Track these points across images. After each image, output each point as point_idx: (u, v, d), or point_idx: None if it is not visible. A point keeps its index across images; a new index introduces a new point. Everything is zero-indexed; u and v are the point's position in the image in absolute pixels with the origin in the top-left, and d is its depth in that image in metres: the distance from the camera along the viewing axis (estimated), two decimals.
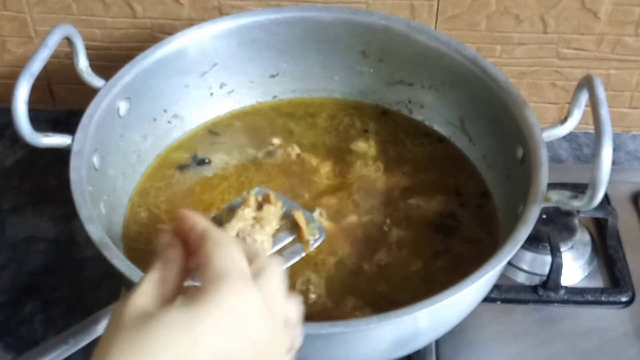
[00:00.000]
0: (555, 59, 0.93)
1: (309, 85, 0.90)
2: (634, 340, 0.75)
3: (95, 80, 0.76)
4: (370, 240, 0.75)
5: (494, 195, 0.78)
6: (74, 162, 0.69)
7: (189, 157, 0.84)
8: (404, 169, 0.82)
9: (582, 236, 0.82)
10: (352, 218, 0.77)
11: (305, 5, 0.87)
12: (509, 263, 0.78)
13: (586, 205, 0.63)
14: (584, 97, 0.70)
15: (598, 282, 0.81)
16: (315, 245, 0.67)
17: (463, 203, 0.79)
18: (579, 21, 0.89)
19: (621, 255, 0.82)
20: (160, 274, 0.48)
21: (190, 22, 0.89)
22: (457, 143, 0.84)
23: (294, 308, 0.50)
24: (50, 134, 0.70)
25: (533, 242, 0.80)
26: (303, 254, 0.66)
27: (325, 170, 0.82)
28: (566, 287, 0.78)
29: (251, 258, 0.48)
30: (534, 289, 0.79)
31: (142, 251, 0.74)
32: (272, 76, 0.88)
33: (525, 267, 0.80)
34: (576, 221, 0.82)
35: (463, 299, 0.62)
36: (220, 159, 0.83)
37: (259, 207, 0.65)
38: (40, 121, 0.76)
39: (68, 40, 0.75)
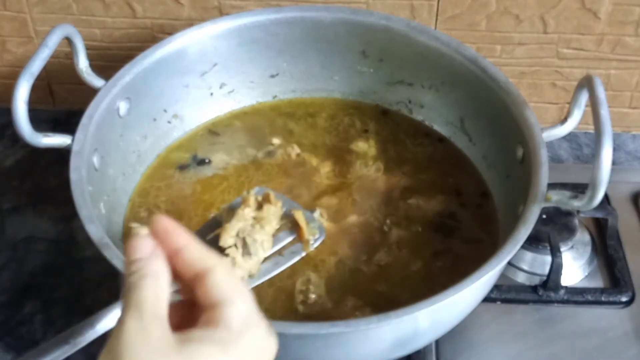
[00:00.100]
0: (555, 59, 0.93)
1: (309, 85, 0.90)
2: (634, 340, 0.75)
3: (95, 80, 0.76)
4: (370, 240, 0.75)
5: (494, 195, 0.79)
6: (74, 162, 0.69)
7: (189, 157, 0.84)
8: (404, 169, 0.82)
9: (582, 236, 0.82)
10: (352, 218, 0.77)
11: (305, 5, 0.87)
12: (509, 263, 0.78)
13: (586, 205, 0.63)
14: (584, 97, 0.70)
15: (598, 282, 0.81)
16: (316, 245, 0.67)
17: (463, 203, 0.79)
18: (579, 21, 0.89)
19: (621, 255, 0.82)
20: (152, 294, 0.42)
21: (190, 22, 0.89)
22: (457, 143, 0.84)
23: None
24: (50, 134, 0.70)
25: (533, 242, 0.80)
26: (303, 254, 0.66)
27: (325, 170, 0.82)
28: (566, 287, 0.78)
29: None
30: (534, 289, 0.79)
31: None
32: (272, 76, 0.89)
33: (525, 267, 0.80)
34: (576, 221, 0.82)
35: (463, 299, 0.62)
36: (220, 159, 0.83)
37: (259, 206, 0.65)
38: (40, 121, 0.76)
39: (68, 40, 0.75)
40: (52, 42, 0.71)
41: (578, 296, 0.78)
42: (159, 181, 0.81)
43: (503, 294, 0.78)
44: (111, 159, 0.76)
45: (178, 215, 0.77)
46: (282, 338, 0.58)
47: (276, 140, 0.85)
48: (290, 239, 0.66)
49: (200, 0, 0.90)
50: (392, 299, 0.69)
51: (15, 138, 0.81)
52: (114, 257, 0.61)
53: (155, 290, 0.42)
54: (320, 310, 0.69)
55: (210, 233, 0.64)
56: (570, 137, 0.96)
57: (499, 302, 0.78)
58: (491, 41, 0.91)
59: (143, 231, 0.45)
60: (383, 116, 0.88)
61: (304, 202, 0.78)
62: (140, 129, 0.81)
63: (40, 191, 0.92)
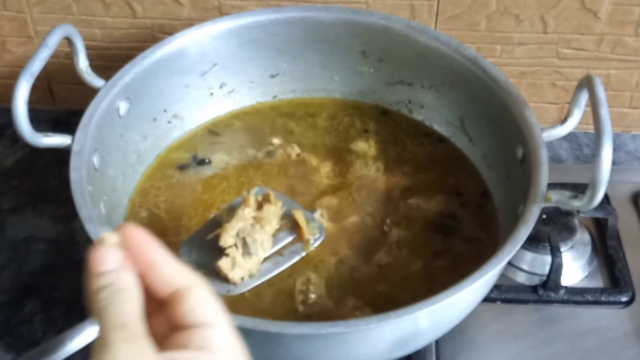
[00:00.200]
0: (555, 59, 0.93)
1: (309, 85, 0.90)
2: (634, 340, 0.75)
3: (95, 80, 0.76)
4: (370, 240, 0.75)
5: (494, 195, 0.78)
6: (74, 162, 0.69)
7: (189, 157, 0.84)
8: (404, 169, 0.82)
9: (582, 236, 0.82)
10: (352, 218, 0.77)
11: (305, 5, 0.87)
12: (509, 263, 0.78)
13: (586, 205, 0.63)
14: (584, 97, 0.70)
15: (598, 282, 0.80)
16: (316, 244, 0.67)
17: (463, 203, 0.79)
18: (579, 21, 0.89)
19: (621, 255, 0.82)
20: (134, 312, 0.39)
21: (190, 22, 0.89)
22: (457, 143, 0.84)
23: None
24: (50, 134, 0.70)
25: (533, 242, 0.80)
26: (303, 254, 0.66)
27: (325, 170, 0.82)
28: (566, 287, 0.78)
29: None
30: (534, 289, 0.79)
31: None
32: (272, 76, 0.89)
33: (525, 267, 0.80)
34: (576, 221, 0.82)
35: (463, 299, 0.62)
36: (220, 159, 0.83)
37: (259, 206, 0.65)
38: (40, 121, 0.76)
39: (68, 40, 0.75)
40: (52, 42, 0.71)
41: (578, 296, 0.78)
42: (159, 181, 0.81)
43: (503, 294, 0.78)
44: (111, 159, 0.76)
45: (178, 215, 0.77)
46: (282, 338, 0.58)
47: (276, 140, 0.85)
48: (290, 238, 0.66)
49: (200, 0, 0.90)
50: (392, 299, 0.69)
51: (15, 138, 0.81)
52: None
53: (134, 306, 0.39)
54: (320, 310, 0.69)
55: (210, 233, 0.64)
56: (570, 137, 0.96)
57: (499, 302, 0.78)
58: (491, 41, 0.91)
59: (111, 238, 0.41)
60: (383, 116, 0.88)
61: (304, 202, 0.78)
62: (140, 129, 0.81)
63: (40, 191, 0.92)
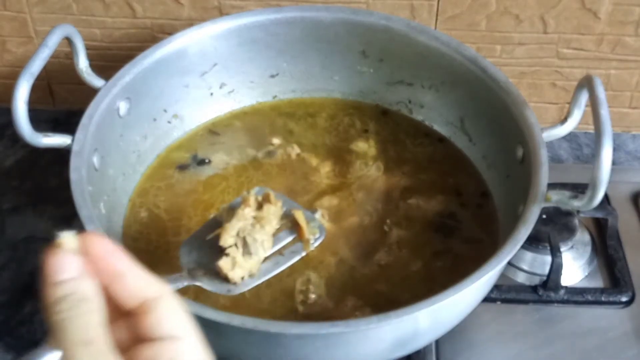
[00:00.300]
0: (555, 59, 0.93)
1: (309, 85, 0.90)
2: (634, 340, 0.75)
3: (95, 80, 0.76)
4: (370, 240, 0.75)
5: (494, 195, 0.78)
6: (74, 162, 0.69)
7: (189, 157, 0.84)
8: (404, 169, 0.82)
9: (582, 236, 0.82)
10: (352, 218, 0.77)
11: (305, 5, 0.87)
12: (509, 263, 0.78)
13: (586, 205, 0.62)
14: (584, 97, 0.70)
15: (598, 282, 0.80)
16: (316, 244, 0.67)
17: (463, 203, 0.79)
18: (579, 21, 0.89)
19: (621, 255, 0.82)
20: (98, 324, 0.36)
21: (190, 22, 0.89)
22: (457, 143, 0.84)
23: None
24: (50, 134, 0.70)
25: (533, 242, 0.80)
26: (303, 253, 0.66)
27: (325, 170, 0.82)
28: (566, 287, 0.78)
29: None
30: (534, 289, 0.79)
31: (142, 251, 0.74)
32: (272, 76, 0.89)
33: (525, 267, 0.80)
34: (576, 221, 0.82)
35: (463, 299, 0.62)
36: (220, 159, 0.83)
37: (259, 206, 0.65)
38: (40, 121, 0.76)
39: (68, 40, 0.75)
40: (52, 42, 0.71)
41: (578, 296, 0.78)
42: (159, 181, 0.81)
43: (503, 294, 0.78)
44: (111, 159, 0.76)
45: (178, 215, 0.77)
46: (282, 338, 0.58)
47: (276, 140, 0.85)
48: (290, 238, 0.66)
49: (200, 0, 0.90)
50: (392, 299, 0.69)
51: (15, 138, 0.81)
52: None
53: (97, 318, 0.37)
54: (320, 310, 0.69)
55: (210, 233, 0.64)
56: (570, 137, 0.96)
57: (499, 302, 0.78)
58: (491, 41, 0.91)
59: (69, 242, 0.38)
60: (383, 116, 0.88)
61: (304, 202, 0.78)
62: (140, 129, 0.81)
63: (40, 191, 0.92)
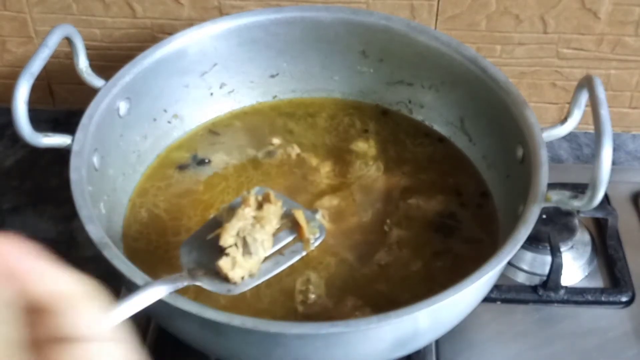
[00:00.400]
0: (555, 59, 0.93)
1: (309, 85, 0.90)
2: (634, 340, 0.75)
3: (95, 80, 0.76)
4: (370, 240, 0.75)
5: (494, 195, 0.78)
6: (74, 162, 0.69)
7: (189, 157, 0.84)
8: (404, 169, 0.82)
9: (582, 236, 0.82)
10: (352, 218, 0.77)
11: (305, 5, 0.87)
12: (509, 263, 0.78)
13: (586, 205, 0.62)
14: (584, 97, 0.70)
15: (598, 282, 0.81)
16: (316, 244, 0.67)
17: (463, 203, 0.79)
18: (579, 21, 0.89)
19: (621, 255, 0.82)
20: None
21: (190, 22, 0.89)
22: (457, 143, 0.84)
23: None
24: (50, 134, 0.70)
25: (533, 242, 0.80)
26: (304, 253, 0.66)
27: (325, 170, 0.82)
28: (566, 287, 0.78)
29: None
30: (534, 289, 0.79)
31: (142, 251, 0.74)
32: (272, 76, 0.89)
33: (525, 267, 0.80)
34: (576, 221, 0.82)
35: (463, 299, 0.62)
36: (220, 159, 0.83)
37: (259, 206, 0.65)
38: (40, 121, 0.76)
39: (68, 40, 0.75)
40: (52, 42, 0.71)
41: (578, 296, 0.78)
42: (159, 181, 0.81)
43: (503, 294, 0.78)
44: (111, 159, 0.76)
45: (178, 215, 0.77)
46: (282, 338, 0.58)
47: (276, 140, 0.85)
48: (290, 238, 0.66)
49: (200, 0, 0.90)
50: (392, 299, 0.69)
51: (15, 138, 0.81)
52: (114, 257, 0.61)
53: (10, 329, 0.35)
54: (320, 310, 0.69)
55: (210, 233, 0.64)
56: (570, 137, 0.96)
57: (499, 302, 0.78)
58: (491, 41, 0.91)
59: None
60: (383, 116, 0.88)
61: (304, 202, 0.78)
62: (140, 129, 0.81)
63: (40, 191, 0.92)
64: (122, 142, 0.78)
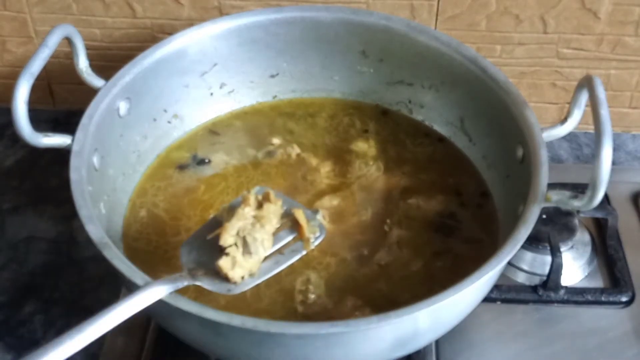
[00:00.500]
0: (555, 59, 0.93)
1: (309, 85, 0.90)
2: (634, 340, 0.75)
3: (95, 80, 0.76)
4: (370, 240, 0.75)
5: (494, 195, 0.78)
6: (74, 162, 0.69)
7: (189, 157, 0.84)
8: (404, 169, 0.82)
9: (582, 236, 0.82)
10: (352, 218, 0.77)
11: (305, 5, 0.87)
12: (509, 263, 0.78)
13: (586, 205, 0.62)
14: (584, 97, 0.70)
15: (598, 282, 0.81)
16: (316, 243, 0.67)
17: (463, 203, 0.79)
18: (579, 21, 0.89)
19: (621, 255, 0.82)
20: None
21: (190, 22, 0.89)
22: (457, 143, 0.84)
23: None
24: (50, 134, 0.70)
25: (533, 242, 0.80)
26: (304, 252, 0.66)
27: (325, 170, 0.82)
28: (566, 287, 0.78)
29: None
30: (534, 289, 0.79)
31: (142, 251, 0.74)
32: (272, 76, 0.89)
33: (525, 267, 0.80)
34: (576, 221, 0.82)
35: (463, 299, 0.62)
36: (220, 159, 0.83)
37: (259, 205, 0.65)
38: (40, 121, 0.76)
39: (68, 40, 0.75)
40: (52, 42, 0.71)
41: (578, 296, 0.78)
42: (159, 181, 0.81)
43: (503, 294, 0.78)
44: (111, 159, 0.76)
45: (178, 214, 0.77)
46: (282, 338, 0.58)
47: (276, 140, 0.85)
48: (290, 237, 0.66)
49: (200, 0, 0.90)
50: (392, 299, 0.69)
51: (15, 138, 0.81)
52: (114, 257, 0.61)
53: None
54: (320, 310, 0.69)
55: (210, 233, 0.64)
56: (570, 137, 0.97)
57: (499, 302, 0.78)
58: (491, 41, 0.92)
59: None
60: (383, 116, 0.88)
61: (304, 202, 0.78)
62: (140, 129, 0.81)
63: (40, 191, 0.92)
64: (122, 142, 0.78)
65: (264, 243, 0.64)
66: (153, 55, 0.79)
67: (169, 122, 0.84)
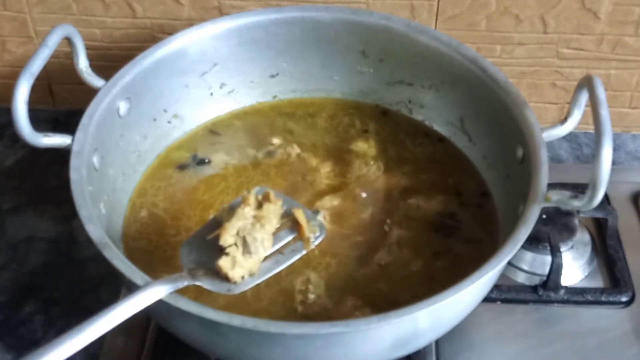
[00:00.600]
0: (555, 59, 0.93)
1: (309, 85, 0.90)
2: (634, 340, 0.75)
3: (95, 80, 0.76)
4: (370, 240, 0.75)
5: (494, 195, 0.78)
6: (74, 162, 0.69)
7: (189, 156, 0.84)
8: (404, 169, 0.82)
9: (582, 236, 0.82)
10: (352, 218, 0.77)
11: (305, 5, 0.87)
12: (509, 263, 0.78)
13: (586, 205, 0.62)
14: (584, 97, 0.70)
15: (598, 282, 0.81)
16: (316, 242, 0.67)
17: (463, 203, 0.79)
18: (579, 21, 0.89)
19: (621, 255, 0.82)
20: None
21: (190, 22, 0.89)
22: (457, 143, 0.84)
23: None
24: (50, 134, 0.70)
25: (533, 242, 0.80)
26: (304, 252, 0.66)
27: (325, 170, 0.82)
28: (566, 287, 0.78)
29: None
30: (534, 289, 0.79)
31: (142, 251, 0.74)
32: (272, 76, 0.89)
33: (525, 267, 0.80)
34: (576, 221, 0.82)
35: (463, 299, 0.62)
36: (220, 159, 0.83)
37: (259, 205, 0.65)
38: (40, 121, 0.76)
39: (68, 40, 0.75)
40: (52, 42, 0.71)
41: (578, 296, 0.78)
42: (159, 181, 0.81)
43: (503, 294, 0.78)
44: (111, 159, 0.76)
45: (178, 214, 0.77)
46: (282, 338, 0.58)
47: (276, 140, 0.85)
48: (290, 237, 0.66)
49: (200, 0, 0.90)
50: (392, 299, 0.69)
51: (15, 138, 0.81)
52: (114, 257, 0.61)
53: None
54: (320, 310, 0.69)
55: (210, 233, 0.64)
56: (570, 137, 0.96)
57: (499, 302, 0.78)
58: (491, 41, 0.92)
59: None
60: (383, 116, 0.88)
61: (304, 202, 0.78)
62: (140, 129, 0.81)
63: (40, 191, 0.92)
64: (122, 142, 0.78)
65: (263, 243, 0.64)
66: (153, 55, 0.79)
67: (169, 122, 0.84)
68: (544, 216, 0.81)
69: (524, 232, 0.63)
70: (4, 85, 1.00)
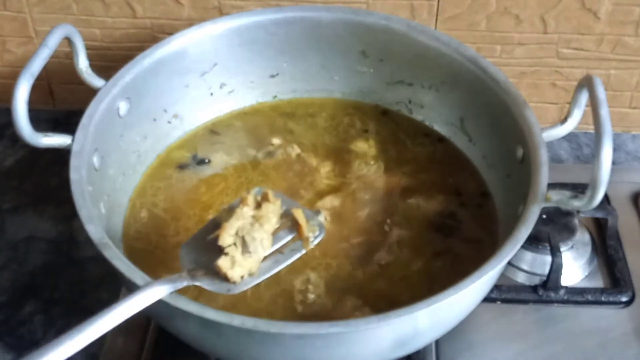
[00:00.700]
0: (555, 59, 0.93)
1: (309, 85, 0.90)
2: (634, 340, 0.75)
3: (95, 80, 0.76)
4: (370, 240, 0.75)
5: (494, 195, 0.78)
6: (74, 162, 0.69)
7: (189, 157, 0.84)
8: (404, 169, 0.82)
9: (582, 236, 0.82)
10: (352, 218, 0.77)
11: (305, 5, 0.87)
12: (509, 263, 0.78)
13: (586, 205, 0.62)
14: (584, 97, 0.70)
15: (598, 282, 0.81)
16: (316, 242, 0.67)
17: (463, 203, 0.79)
18: (579, 21, 0.89)
19: (621, 255, 0.82)
20: None
21: (190, 22, 0.89)
22: (457, 143, 0.84)
23: None
24: (50, 134, 0.70)
25: (533, 242, 0.80)
26: (303, 251, 0.66)
27: (325, 170, 0.82)
28: (566, 287, 0.78)
29: None
30: (534, 289, 0.79)
31: (142, 251, 0.74)
32: (272, 76, 0.89)
33: (525, 267, 0.80)
34: (576, 221, 0.82)
35: (463, 299, 0.62)
36: (220, 159, 0.83)
37: (258, 205, 0.65)
38: (40, 121, 0.76)
39: (68, 40, 0.75)
40: (52, 42, 0.71)
41: (578, 296, 0.78)
42: (159, 181, 0.81)
43: (503, 294, 0.78)
44: (111, 159, 0.76)
45: (178, 214, 0.77)
46: (282, 338, 0.58)
47: (276, 140, 0.85)
48: (290, 237, 0.66)
49: (200, 0, 0.90)
50: (392, 299, 0.69)
51: (15, 138, 0.81)
52: (114, 257, 0.61)
53: None
54: (320, 310, 0.69)
55: (210, 234, 0.64)
56: (570, 137, 0.97)
57: (499, 302, 0.78)
58: (491, 41, 0.92)
59: None
60: (383, 116, 0.88)
61: (304, 202, 0.78)
62: (140, 129, 0.81)
63: (40, 191, 0.92)
64: (122, 142, 0.78)
65: (263, 242, 0.64)
66: (153, 55, 0.79)
67: (169, 122, 0.84)
68: (544, 216, 0.81)
69: (524, 232, 0.63)
70: (4, 85, 1.00)
